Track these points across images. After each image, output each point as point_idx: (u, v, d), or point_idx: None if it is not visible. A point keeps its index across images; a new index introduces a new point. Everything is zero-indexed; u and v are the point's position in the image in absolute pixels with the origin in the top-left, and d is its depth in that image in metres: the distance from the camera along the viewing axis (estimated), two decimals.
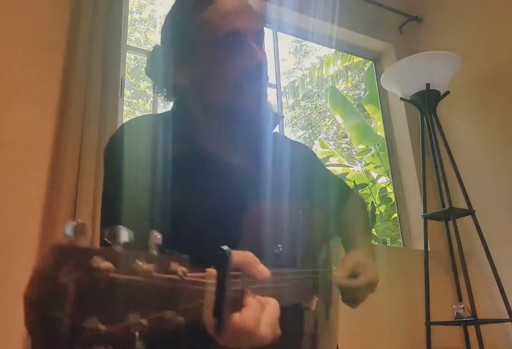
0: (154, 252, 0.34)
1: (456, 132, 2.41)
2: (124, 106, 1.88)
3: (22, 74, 1.58)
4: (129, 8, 2.04)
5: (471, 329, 1.95)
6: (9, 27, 1.61)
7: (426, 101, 2.16)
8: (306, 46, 8.54)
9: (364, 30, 2.67)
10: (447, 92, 2.20)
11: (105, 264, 0.29)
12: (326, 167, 1.08)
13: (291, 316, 0.63)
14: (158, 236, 0.35)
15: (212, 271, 0.41)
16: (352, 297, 0.83)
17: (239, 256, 0.47)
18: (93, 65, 1.65)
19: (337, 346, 0.95)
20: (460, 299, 2.07)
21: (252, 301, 0.47)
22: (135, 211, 0.65)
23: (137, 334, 0.31)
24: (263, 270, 0.49)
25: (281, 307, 0.52)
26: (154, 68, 0.80)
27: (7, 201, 1.40)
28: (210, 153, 0.75)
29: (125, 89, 1.85)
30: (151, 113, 2.09)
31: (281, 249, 0.67)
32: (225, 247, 0.42)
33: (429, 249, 2.07)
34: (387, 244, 3.24)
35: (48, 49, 1.65)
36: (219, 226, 0.66)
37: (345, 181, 1.16)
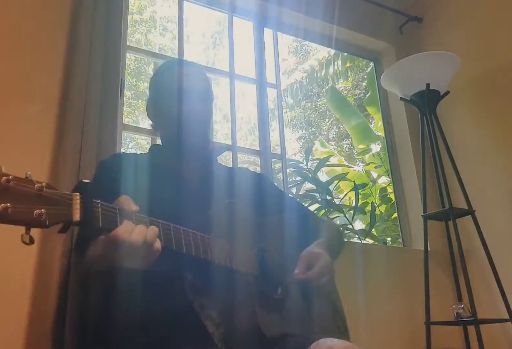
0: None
1: (456, 132, 2.41)
2: (124, 107, 1.88)
3: (22, 74, 1.58)
4: (130, 9, 2.04)
5: (471, 329, 1.95)
6: (9, 27, 1.61)
7: (426, 101, 2.16)
8: (307, 46, 8.54)
9: (364, 30, 2.67)
10: (447, 92, 2.20)
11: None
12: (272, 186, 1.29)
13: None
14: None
15: (76, 194, 0.68)
16: (316, 286, 0.96)
17: (117, 202, 0.74)
18: (93, 65, 1.65)
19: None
20: (460, 299, 2.07)
21: (124, 224, 0.71)
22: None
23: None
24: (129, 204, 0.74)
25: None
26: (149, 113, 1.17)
27: None
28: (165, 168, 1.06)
29: (126, 89, 1.86)
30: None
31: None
32: (85, 180, 0.71)
33: (429, 249, 2.07)
34: (387, 244, 3.24)
35: (48, 49, 1.65)
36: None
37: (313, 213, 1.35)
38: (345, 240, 1.37)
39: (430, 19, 2.72)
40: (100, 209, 0.69)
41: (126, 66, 1.92)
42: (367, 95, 4.91)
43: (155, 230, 0.73)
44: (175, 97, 1.08)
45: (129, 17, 2.04)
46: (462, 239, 1.95)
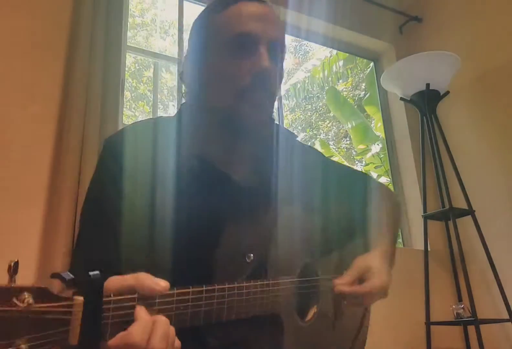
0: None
1: (456, 132, 2.41)
2: (124, 108, 1.88)
3: (22, 74, 1.58)
4: (132, 12, 2.05)
5: (471, 329, 1.95)
6: (9, 27, 1.61)
7: (426, 101, 2.16)
8: (306, 46, 8.54)
9: (364, 30, 2.67)
10: (447, 92, 2.20)
11: None
12: (338, 164, 1.01)
13: (268, 328, 0.68)
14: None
15: (78, 299, 0.42)
16: (356, 303, 0.78)
17: (131, 279, 0.49)
18: (94, 65, 1.65)
19: None
20: (460, 299, 2.07)
21: (142, 315, 0.48)
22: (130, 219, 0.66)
23: None
24: (158, 281, 0.50)
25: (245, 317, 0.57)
26: (185, 74, 0.80)
27: (7, 202, 1.40)
28: (206, 163, 0.73)
29: (126, 91, 1.86)
30: (151, 115, 2.10)
31: (252, 259, 0.68)
32: (93, 273, 0.43)
33: (429, 249, 2.07)
34: None
35: (48, 49, 1.66)
36: (199, 239, 0.67)
37: (361, 171, 1.08)
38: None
39: (430, 19, 2.72)
40: (111, 317, 0.46)
41: (126, 68, 1.93)
42: (366, 96, 4.91)
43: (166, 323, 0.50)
44: (229, 42, 0.72)
45: (131, 20, 2.04)
46: (462, 239, 1.95)
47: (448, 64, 2.14)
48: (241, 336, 0.68)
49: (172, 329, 0.51)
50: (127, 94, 1.68)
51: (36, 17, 1.68)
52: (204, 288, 0.57)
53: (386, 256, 0.81)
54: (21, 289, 0.40)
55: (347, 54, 4.64)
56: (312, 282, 0.79)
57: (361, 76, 6.97)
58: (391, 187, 2.70)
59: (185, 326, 0.54)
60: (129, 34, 1.96)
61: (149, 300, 0.50)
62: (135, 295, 0.49)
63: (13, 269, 0.41)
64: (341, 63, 5.44)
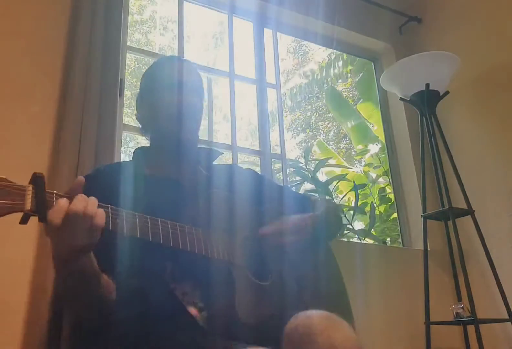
0: None
1: (456, 132, 2.41)
2: (124, 107, 1.88)
3: (22, 74, 1.58)
4: (130, 9, 2.04)
5: (471, 328, 1.95)
6: (8, 27, 1.61)
7: (426, 101, 2.16)
8: (305, 46, 8.54)
9: (364, 31, 2.67)
10: (447, 92, 2.21)
11: None
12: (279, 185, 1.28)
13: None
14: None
15: (29, 185, 0.69)
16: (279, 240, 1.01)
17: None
18: (93, 65, 1.65)
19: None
20: (459, 299, 2.07)
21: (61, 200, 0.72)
22: None
23: None
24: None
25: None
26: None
27: None
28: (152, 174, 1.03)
29: (126, 89, 1.86)
30: None
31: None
32: (38, 173, 0.70)
33: (428, 249, 2.07)
34: (387, 244, 3.24)
35: (48, 49, 1.66)
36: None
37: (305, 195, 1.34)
38: (342, 215, 1.37)
39: (430, 19, 2.72)
40: (54, 197, 0.71)
41: (126, 66, 1.93)
42: (360, 101, 4.92)
43: (94, 201, 0.74)
44: (171, 89, 1.05)
45: (129, 17, 2.04)
46: (461, 239, 1.96)
47: (448, 64, 2.14)
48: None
49: (92, 200, 0.74)
50: (127, 92, 1.68)
51: (35, 17, 1.68)
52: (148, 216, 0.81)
53: (306, 218, 1.04)
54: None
55: (347, 55, 4.64)
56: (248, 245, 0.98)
57: (357, 78, 6.98)
58: (390, 187, 2.71)
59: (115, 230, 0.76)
60: (128, 31, 1.95)
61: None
62: (69, 196, 0.74)
63: None
64: (340, 63, 5.44)
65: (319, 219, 1.07)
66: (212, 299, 0.88)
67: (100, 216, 0.73)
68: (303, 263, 1.04)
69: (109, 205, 0.77)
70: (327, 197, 1.37)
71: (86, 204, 0.72)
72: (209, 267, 0.89)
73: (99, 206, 0.75)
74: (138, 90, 1.17)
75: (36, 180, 0.70)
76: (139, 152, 1.10)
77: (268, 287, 0.95)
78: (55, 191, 0.73)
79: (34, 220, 0.71)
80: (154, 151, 1.09)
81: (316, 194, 3.03)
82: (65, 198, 0.72)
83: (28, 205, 0.67)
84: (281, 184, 1.39)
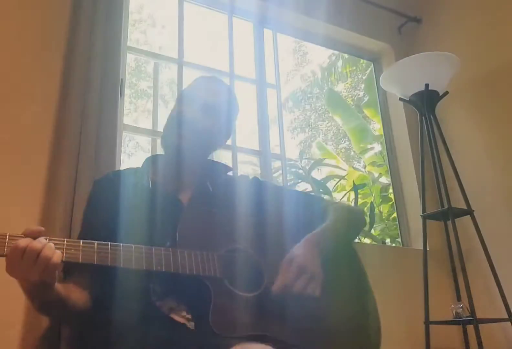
0: None
1: (455, 132, 2.42)
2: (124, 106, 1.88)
3: (22, 74, 1.58)
4: (130, 9, 2.04)
5: (470, 328, 1.95)
6: (9, 27, 1.61)
7: (425, 102, 2.16)
8: (305, 47, 8.54)
9: (363, 31, 2.68)
10: (446, 93, 2.21)
11: None
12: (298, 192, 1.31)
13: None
14: None
15: None
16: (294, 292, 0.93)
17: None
18: (93, 65, 1.65)
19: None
20: (459, 299, 2.08)
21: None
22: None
23: None
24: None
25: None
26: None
27: (5, 202, 1.40)
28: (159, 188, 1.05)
29: (126, 88, 1.86)
30: (151, 112, 2.12)
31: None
32: None
33: (428, 249, 2.08)
34: (386, 244, 3.24)
35: (48, 49, 1.66)
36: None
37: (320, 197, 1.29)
38: (362, 216, 1.27)
39: (429, 19, 2.73)
40: (7, 241, 0.74)
41: (126, 66, 1.93)
42: (365, 100, 4.91)
43: (52, 245, 0.76)
44: (180, 104, 1.09)
45: (129, 16, 2.04)
46: (461, 239, 1.96)
47: (447, 65, 2.14)
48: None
49: (50, 245, 0.75)
50: (126, 91, 1.68)
51: (35, 17, 1.68)
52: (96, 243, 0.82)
53: (311, 240, 0.98)
54: None
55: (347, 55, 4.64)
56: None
57: (360, 76, 6.98)
58: (390, 187, 2.71)
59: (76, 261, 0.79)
60: (128, 31, 1.95)
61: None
62: (23, 236, 0.76)
63: None
64: (340, 63, 5.44)
65: (340, 225, 1.04)
66: (197, 310, 0.88)
67: (56, 256, 0.75)
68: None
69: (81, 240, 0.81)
70: (336, 202, 1.30)
71: (44, 244, 0.74)
72: (188, 283, 0.89)
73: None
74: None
75: None
76: (151, 160, 1.13)
77: (251, 300, 0.92)
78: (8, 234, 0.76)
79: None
80: (162, 161, 1.11)
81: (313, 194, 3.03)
82: (26, 239, 0.74)
83: None
84: (289, 189, 1.38)
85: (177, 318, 0.88)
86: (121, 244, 0.83)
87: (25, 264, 0.73)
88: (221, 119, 1.11)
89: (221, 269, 0.90)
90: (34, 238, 0.75)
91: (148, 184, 1.04)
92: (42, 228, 0.78)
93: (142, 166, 1.13)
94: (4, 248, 0.73)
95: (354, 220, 1.16)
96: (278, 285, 0.91)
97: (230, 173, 1.20)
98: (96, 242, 0.81)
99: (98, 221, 0.99)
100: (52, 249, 0.75)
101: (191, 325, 0.88)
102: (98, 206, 1.03)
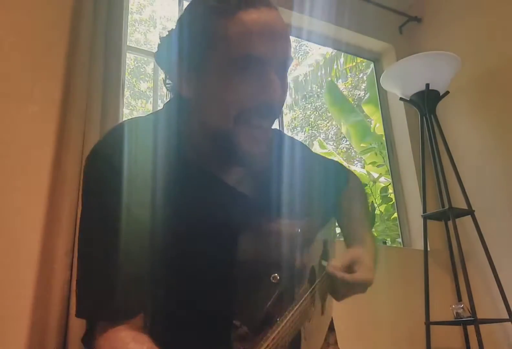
0: None
1: (456, 132, 2.41)
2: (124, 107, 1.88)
3: (22, 74, 1.58)
4: (130, 9, 2.04)
5: (471, 329, 1.95)
6: (9, 27, 1.61)
7: (426, 101, 2.16)
8: (306, 46, 8.54)
9: (364, 31, 2.67)
10: (447, 92, 2.21)
11: None
12: (319, 155, 1.01)
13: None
14: None
15: None
16: (340, 291, 0.78)
17: None
18: (94, 66, 1.65)
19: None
20: (459, 299, 2.08)
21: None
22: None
23: None
24: None
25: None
26: (164, 56, 0.70)
27: (8, 202, 1.40)
28: (201, 169, 0.70)
29: (125, 89, 1.85)
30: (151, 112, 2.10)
31: (278, 278, 0.63)
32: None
33: (428, 249, 2.07)
34: (387, 244, 3.24)
35: (48, 49, 1.65)
36: (212, 245, 0.65)
37: (340, 163, 1.11)
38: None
39: (430, 19, 2.72)
40: None
41: (126, 66, 1.92)
42: (365, 97, 4.90)
43: None
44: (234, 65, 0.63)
45: (129, 17, 2.04)
46: (461, 239, 1.96)
47: (448, 64, 2.14)
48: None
49: None
50: (126, 92, 1.68)
51: (36, 17, 1.68)
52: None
53: (372, 254, 0.83)
54: None
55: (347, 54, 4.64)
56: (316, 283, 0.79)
57: (361, 76, 6.98)
58: (390, 187, 2.71)
59: None
60: (128, 31, 1.95)
61: None
62: None
63: None
64: (340, 61, 5.43)
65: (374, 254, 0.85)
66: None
67: None
68: None
69: None
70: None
71: None
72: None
73: None
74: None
75: None
76: (172, 102, 0.73)
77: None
78: None
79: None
80: (198, 136, 0.71)
81: None
82: None
83: None
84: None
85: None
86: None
87: None
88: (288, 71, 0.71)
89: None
90: None
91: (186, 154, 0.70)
92: None
93: (165, 112, 0.74)
94: None
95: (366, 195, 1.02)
96: (337, 266, 0.75)
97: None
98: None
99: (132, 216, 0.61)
100: None
101: None
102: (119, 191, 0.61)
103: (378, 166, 4.15)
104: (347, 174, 1.00)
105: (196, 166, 0.69)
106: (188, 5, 0.70)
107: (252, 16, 0.62)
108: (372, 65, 2.99)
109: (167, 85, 0.72)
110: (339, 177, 0.98)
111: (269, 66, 0.63)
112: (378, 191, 3.74)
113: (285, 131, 2.41)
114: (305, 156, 0.91)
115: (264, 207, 0.73)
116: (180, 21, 0.70)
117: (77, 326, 1.30)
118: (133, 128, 0.70)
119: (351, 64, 5.44)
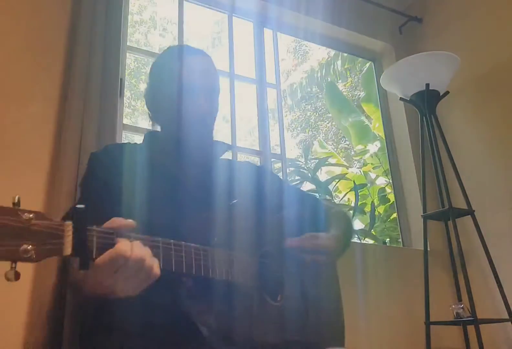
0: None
1: (456, 132, 2.41)
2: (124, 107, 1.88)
3: (22, 74, 1.58)
4: (130, 10, 2.04)
5: (471, 329, 1.95)
6: (9, 27, 1.61)
7: (426, 101, 2.16)
8: (305, 46, 8.54)
9: (364, 31, 2.67)
10: (447, 92, 2.21)
11: None
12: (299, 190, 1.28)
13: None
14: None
15: (68, 222, 0.59)
16: (315, 271, 0.97)
17: (109, 223, 0.65)
18: (93, 65, 1.65)
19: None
20: (459, 299, 2.07)
21: (122, 240, 0.64)
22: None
23: None
24: (125, 220, 0.67)
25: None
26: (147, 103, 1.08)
27: (6, 202, 1.40)
28: (166, 169, 1.00)
29: (125, 89, 1.85)
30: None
31: (215, 241, 0.83)
32: (79, 206, 0.61)
33: (428, 249, 2.07)
34: (387, 244, 3.24)
35: (48, 49, 1.65)
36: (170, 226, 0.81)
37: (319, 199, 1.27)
38: (354, 229, 1.31)
39: (430, 19, 2.72)
40: (95, 238, 0.62)
41: (126, 66, 1.92)
42: (362, 96, 4.90)
43: (149, 250, 0.67)
44: (177, 92, 0.99)
45: (129, 17, 2.03)
46: (461, 239, 1.95)
47: (448, 65, 2.14)
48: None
49: (148, 250, 0.66)
50: (126, 92, 1.68)
51: (35, 17, 1.68)
52: (172, 241, 0.73)
53: (334, 235, 0.99)
54: (25, 210, 0.56)
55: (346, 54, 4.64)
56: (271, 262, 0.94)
57: (360, 76, 6.98)
58: (389, 187, 2.71)
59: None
60: (128, 31, 1.95)
61: (124, 236, 0.65)
62: (112, 231, 0.65)
63: (17, 204, 0.56)
64: (339, 63, 5.43)
65: (341, 242, 1.01)
66: (228, 323, 0.81)
67: (156, 265, 0.66)
68: (319, 285, 1.00)
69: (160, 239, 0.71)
70: (338, 209, 1.25)
71: (145, 252, 0.64)
72: (227, 290, 0.82)
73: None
74: (148, 78, 1.12)
75: (77, 216, 0.60)
76: (150, 137, 1.08)
77: (280, 308, 0.89)
78: (94, 227, 0.63)
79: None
80: (164, 141, 1.05)
81: (317, 194, 3.03)
82: (125, 241, 0.63)
83: (69, 250, 0.59)
84: (293, 186, 1.35)
85: (203, 329, 0.80)
86: (182, 243, 0.74)
87: (124, 275, 0.63)
88: (217, 98, 1.06)
89: (262, 277, 0.88)
90: (124, 236, 0.64)
91: (151, 161, 0.99)
92: (133, 223, 0.67)
93: (144, 142, 1.08)
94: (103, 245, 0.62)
95: (351, 235, 1.16)
96: (296, 240, 0.92)
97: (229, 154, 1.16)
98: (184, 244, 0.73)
99: (99, 187, 0.93)
100: (152, 256, 0.65)
101: (216, 339, 0.81)
102: (99, 174, 0.96)
103: (374, 168, 4.15)
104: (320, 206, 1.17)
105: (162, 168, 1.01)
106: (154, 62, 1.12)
107: (191, 61, 1.03)
108: (368, 64, 3.00)
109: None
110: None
111: (201, 92, 1.01)
112: (376, 192, 3.74)
113: (285, 132, 2.41)
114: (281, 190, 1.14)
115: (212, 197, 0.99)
116: (153, 70, 1.10)
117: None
118: (124, 147, 1.04)
119: (349, 65, 5.44)
